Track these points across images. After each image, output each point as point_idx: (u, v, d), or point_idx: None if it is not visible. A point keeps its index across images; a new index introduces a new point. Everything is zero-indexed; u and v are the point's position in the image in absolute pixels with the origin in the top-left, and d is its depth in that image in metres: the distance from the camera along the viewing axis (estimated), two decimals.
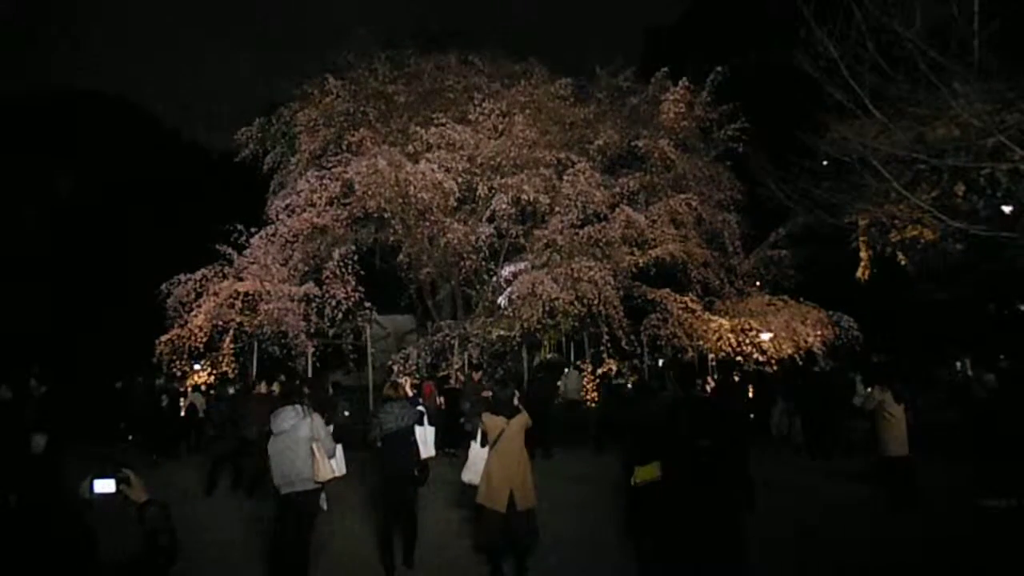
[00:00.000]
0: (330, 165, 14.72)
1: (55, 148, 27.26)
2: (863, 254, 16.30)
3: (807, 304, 16.13)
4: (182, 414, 13.97)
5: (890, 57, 8.54)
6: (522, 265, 14.97)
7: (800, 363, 14.58)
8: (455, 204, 14.85)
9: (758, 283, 17.31)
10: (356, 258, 14.55)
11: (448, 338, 14.71)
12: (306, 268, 14.63)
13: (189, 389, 14.54)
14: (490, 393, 8.37)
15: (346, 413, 12.11)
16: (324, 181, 14.34)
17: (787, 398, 12.63)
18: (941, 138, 9.84)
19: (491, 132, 15.53)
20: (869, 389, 8.08)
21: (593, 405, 14.71)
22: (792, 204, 11.59)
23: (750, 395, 13.70)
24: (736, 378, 12.88)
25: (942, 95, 8.38)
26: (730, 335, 15.41)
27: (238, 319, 13.52)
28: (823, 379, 12.84)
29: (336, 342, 14.66)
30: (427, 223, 14.80)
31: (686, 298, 15.33)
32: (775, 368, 15.39)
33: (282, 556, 5.40)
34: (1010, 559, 5.61)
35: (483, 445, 5.97)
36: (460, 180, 14.54)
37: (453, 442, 11.02)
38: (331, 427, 6.37)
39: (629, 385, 13.71)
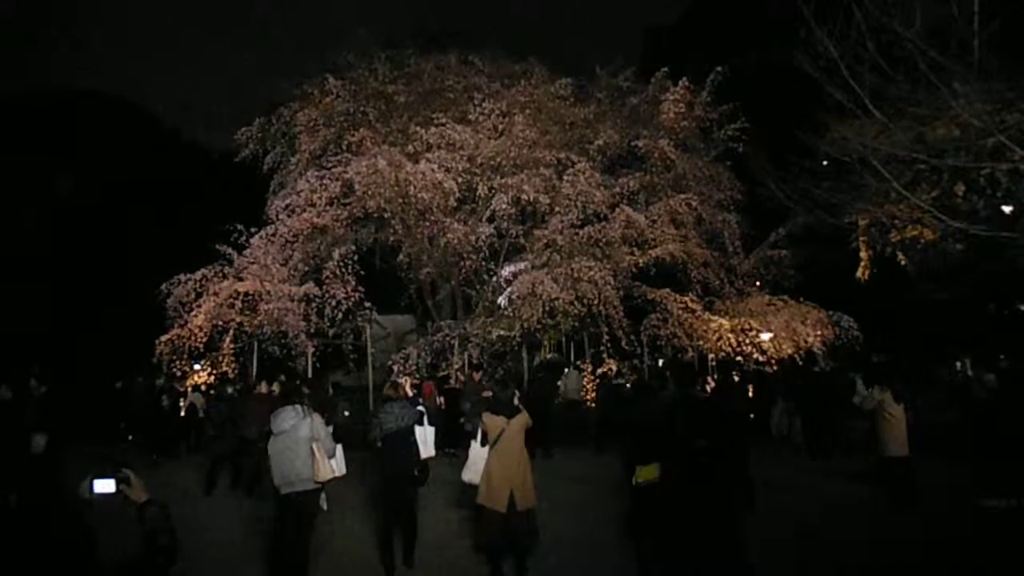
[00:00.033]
0: (330, 165, 14.72)
1: (55, 148, 27.27)
2: (863, 254, 16.31)
3: (807, 304, 16.14)
4: (182, 414, 13.97)
5: (890, 57, 8.54)
6: (522, 265, 14.98)
7: (800, 363, 14.58)
8: (455, 204, 14.86)
9: (758, 283, 17.31)
10: (356, 258, 14.55)
11: (448, 338, 14.71)
12: (306, 268, 14.63)
13: (189, 389, 14.54)
14: (491, 393, 8.37)
15: (346, 413, 12.11)
16: (324, 181, 14.34)
17: (787, 398, 12.62)
18: (941, 138, 9.84)
19: (491, 132, 15.54)
20: (870, 389, 8.06)
21: (592, 405, 14.71)
22: (792, 204, 11.59)
23: (750, 395, 13.69)
24: (736, 378, 12.88)
25: (942, 95, 8.38)
26: (730, 335, 15.42)
27: (238, 319, 13.52)
28: (823, 379, 12.84)
29: (336, 342, 14.66)
30: (427, 223, 14.80)
31: (686, 298, 15.34)
32: (775, 368, 15.39)
33: (282, 556, 5.40)
34: (1010, 559, 5.60)
35: (483, 445, 5.97)
36: (460, 180, 14.54)
37: (453, 442, 11.01)
38: (331, 427, 6.36)
39: (628, 385, 13.73)
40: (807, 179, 11.08)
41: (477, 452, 6.33)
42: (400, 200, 14.48)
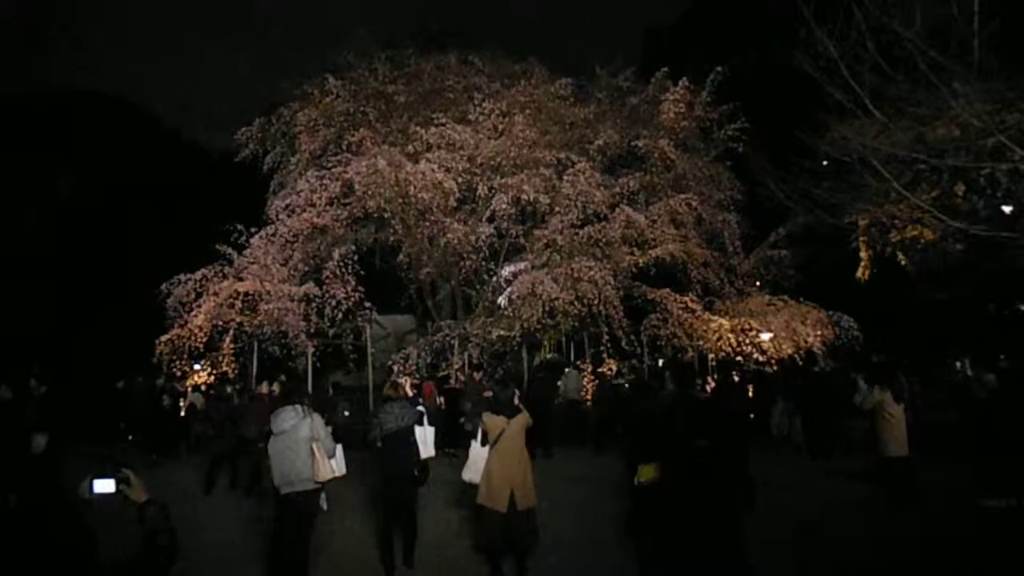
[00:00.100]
0: (330, 165, 14.71)
1: (55, 148, 27.27)
2: (863, 254, 16.30)
3: (807, 304, 16.14)
4: (182, 414, 13.98)
5: (890, 57, 8.55)
6: (522, 265, 14.97)
7: (800, 363, 14.58)
8: (455, 204, 14.85)
9: (758, 283, 17.31)
10: (356, 258, 14.54)
11: (448, 338, 14.71)
12: (306, 268, 14.62)
13: (189, 389, 14.55)
14: (491, 393, 8.37)
15: (346, 413, 12.12)
16: (324, 181, 14.34)
17: (787, 398, 12.63)
18: (941, 138, 9.85)
19: (491, 132, 15.54)
20: (870, 389, 8.05)
21: (590, 405, 14.71)
22: (792, 204, 11.59)
23: (750, 395, 13.69)
24: (736, 378, 12.87)
25: (942, 95, 8.38)
26: (730, 335, 15.42)
27: (238, 319, 13.52)
28: (823, 379, 12.84)
29: (336, 342, 14.66)
30: (427, 223, 14.80)
31: (686, 298, 15.34)
32: (775, 368, 15.39)
33: (282, 556, 5.40)
34: (1010, 559, 5.60)
35: (484, 444, 5.97)
36: (460, 180, 14.54)
37: (453, 442, 11.01)
38: (331, 427, 6.36)
39: (627, 385, 13.73)
40: (807, 179, 11.08)
41: (477, 452, 6.33)
42: (400, 200, 14.48)
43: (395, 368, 13.68)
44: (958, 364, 19.74)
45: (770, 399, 13.16)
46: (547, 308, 13.78)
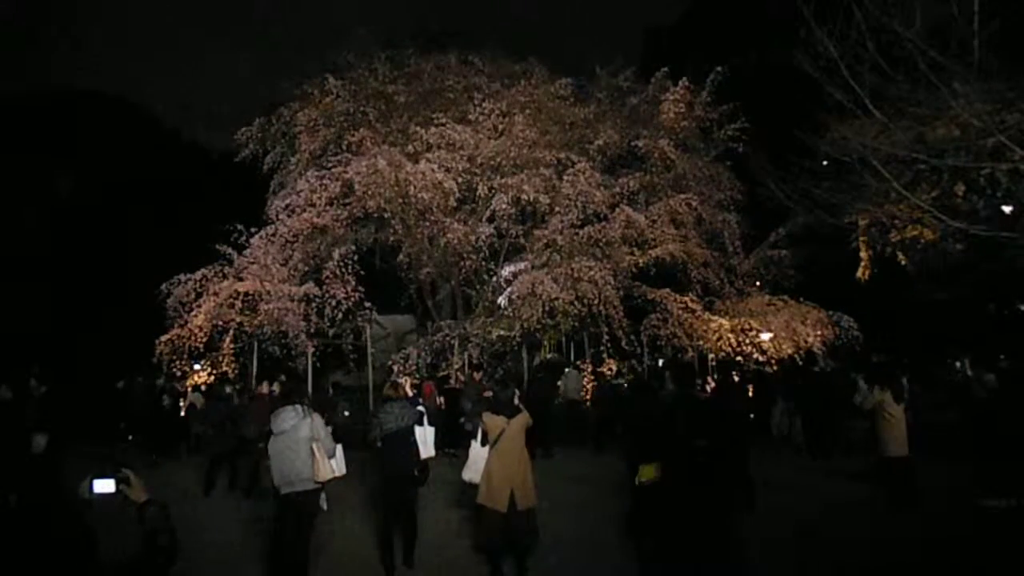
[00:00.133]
0: (330, 165, 14.71)
1: (55, 148, 27.26)
2: (863, 254, 16.31)
3: (807, 304, 16.14)
4: (182, 414, 13.98)
5: (890, 57, 8.54)
6: (522, 265, 14.97)
7: (800, 363, 14.57)
8: (455, 204, 14.86)
9: (758, 283, 17.31)
10: (356, 258, 14.54)
11: (448, 338, 14.71)
12: (306, 268, 14.62)
13: (189, 389, 14.55)
14: (491, 393, 8.37)
15: (346, 413, 12.11)
16: (324, 181, 14.34)
17: (787, 398, 12.63)
18: (941, 138, 9.85)
19: (491, 132, 15.54)
20: (871, 388, 8.05)
21: (589, 405, 14.71)
22: (792, 204, 11.59)
23: (750, 395, 13.69)
24: (736, 378, 12.88)
25: (942, 95, 8.38)
26: (730, 335, 15.42)
27: (238, 319, 13.52)
28: (823, 379, 12.85)
29: (336, 342, 14.65)
30: (427, 223, 14.80)
31: (686, 298, 15.34)
32: (775, 368, 15.39)
33: (282, 556, 5.40)
34: (1010, 559, 5.60)
35: (484, 444, 5.97)
36: (460, 180, 14.54)
37: (453, 442, 11.01)
38: (331, 427, 6.36)
39: (626, 384, 13.74)
40: (807, 179, 11.08)
41: (478, 452, 6.33)
42: (400, 200, 14.48)
43: (395, 368, 13.68)
44: (958, 364, 19.73)
45: (770, 399, 13.17)
46: (547, 308, 13.78)
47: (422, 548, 6.02)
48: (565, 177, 14.82)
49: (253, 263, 13.67)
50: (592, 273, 13.85)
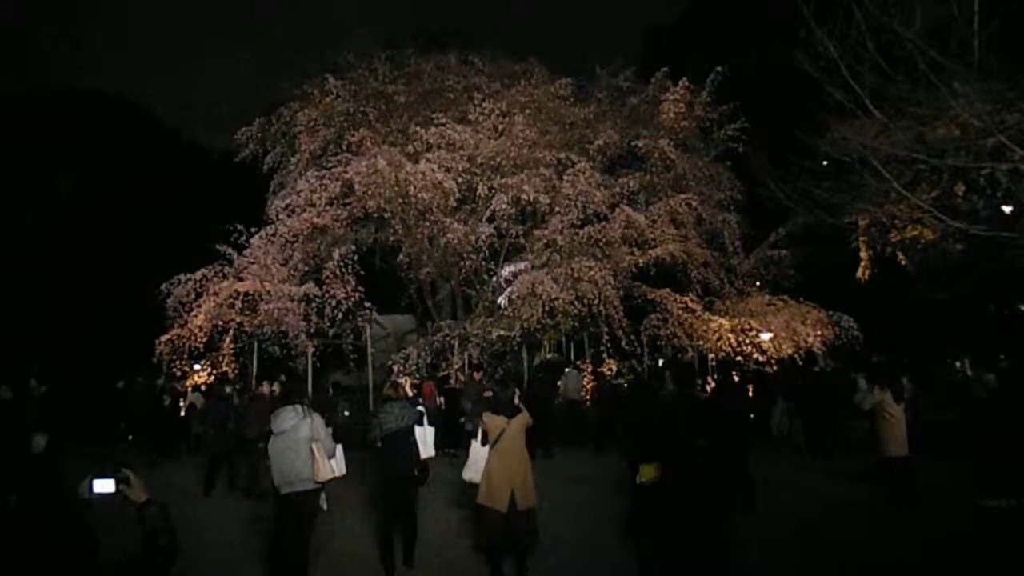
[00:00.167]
0: (330, 165, 14.72)
1: (55, 148, 27.26)
2: (863, 254, 16.30)
3: (807, 304, 16.14)
4: (182, 414, 13.98)
5: (890, 57, 8.54)
6: (522, 265, 14.97)
7: (800, 363, 14.57)
8: (455, 204, 14.86)
9: (758, 283, 17.31)
10: (356, 258, 14.55)
11: (448, 338, 14.71)
12: (306, 268, 14.63)
13: (189, 389, 14.55)
14: (492, 393, 8.36)
15: (346, 413, 12.12)
16: (324, 181, 14.34)
17: (787, 398, 12.63)
18: (941, 138, 9.84)
19: (491, 132, 15.54)
20: (871, 388, 8.05)
21: (589, 405, 14.71)
22: (792, 204, 11.59)
23: (750, 395, 13.69)
24: (736, 378, 12.88)
25: (942, 95, 8.38)
26: (730, 335, 15.42)
27: (238, 319, 13.52)
28: (823, 379, 12.85)
29: (336, 342, 14.66)
30: (427, 223, 14.80)
31: (686, 298, 15.34)
32: (775, 368, 15.38)
33: (282, 556, 5.40)
34: (1010, 559, 5.60)
35: (484, 444, 5.97)
36: (460, 180, 14.54)
37: (453, 442, 11.02)
38: (331, 427, 6.36)
39: (625, 384, 13.74)
40: (807, 179, 11.08)
41: (478, 451, 6.33)
42: (400, 200, 14.48)
43: (395, 368, 13.68)
44: (958, 364, 19.73)
45: (770, 399, 13.16)
46: (547, 308, 13.78)
47: (422, 548, 6.02)
48: (565, 177, 14.82)
49: (253, 263, 13.67)
50: (592, 273, 13.85)
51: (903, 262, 15.76)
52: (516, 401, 5.92)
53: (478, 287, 16.51)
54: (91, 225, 25.23)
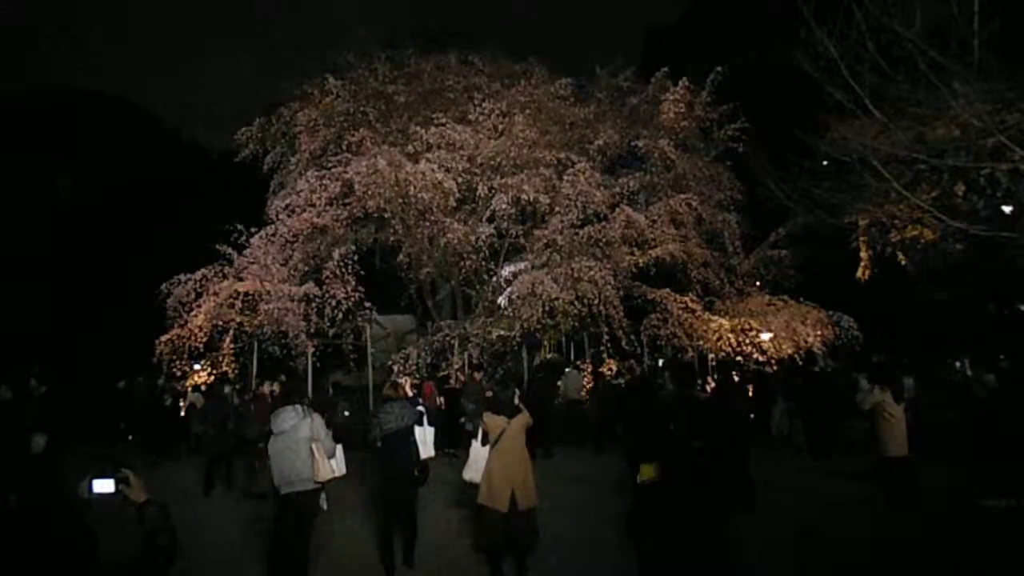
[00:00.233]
0: (330, 165, 14.72)
1: (55, 148, 27.27)
2: (863, 254, 16.30)
3: (807, 304, 16.14)
4: (182, 414, 13.98)
5: (890, 57, 8.54)
6: (522, 265, 14.98)
7: (800, 363, 14.57)
8: (455, 204, 14.85)
9: (758, 283, 17.31)
10: (356, 258, 14.55)
11: (448, 338, 14.71)
12: (306, 268, 14.63)
13: (189, 389, 14.55)
14: (492, 393, 8.37)
15: (346, 413, 12.13)
16: (324, 181, 14.34)
17: (787, 398, 12.63)
18: (941, 138, 9.84)
19: (491, 132, 15.54)
20: (871, 388, 8.05)
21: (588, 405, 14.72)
22: (792, 204, 11.59)
23: (750, 395, 13.69)
24: (736, 378, 12.88)
25: (942, 95, 8.38)
26: (730, 335, 15.42)
27: (238, 319, 13.53)
28: (823, 379, 12.84)
29: (336, 342, 14.66)
30: (427, 223, 14.80)
31: (686, 298, 15.34)
32: (775, 368, 15.38)
33: (282, 556, 5.40)
34: (1010, 559, 5.60)
35: (484, 444, 5.97)
36: (460, 180, 14.54)
37: (453, 442, 11.02)
38: (331, 428, 6.36)
39: (623, 384, 13.75)
40: (807, 179, 11.07)
41: (478, 451, 6.33)
42: (400, 200, 14.48)
43: (395, 368, 13.68)
44: (958, 364, 19.74)
45: (770, 399, 13.16)
46: (547, 308, 13.79)
47: (422, 548, 6.02)
48: (565, 177, 14.82)
49: (253, 263, 13.67)
50: (592, 273, 13.85)
51: (903, 262, 15.76)
52: (516, 401, 5.92)
53: (478, 287, 16.51)
54: (91, 225, 25.24)
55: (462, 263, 14.92)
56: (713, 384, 12.40)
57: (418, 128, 15.27)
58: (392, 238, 16.24)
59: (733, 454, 6.65)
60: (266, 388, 10.35)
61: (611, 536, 6.29)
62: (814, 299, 16.25)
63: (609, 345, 14.53)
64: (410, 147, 14.84)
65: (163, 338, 13.45)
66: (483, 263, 15.59)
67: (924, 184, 11.95)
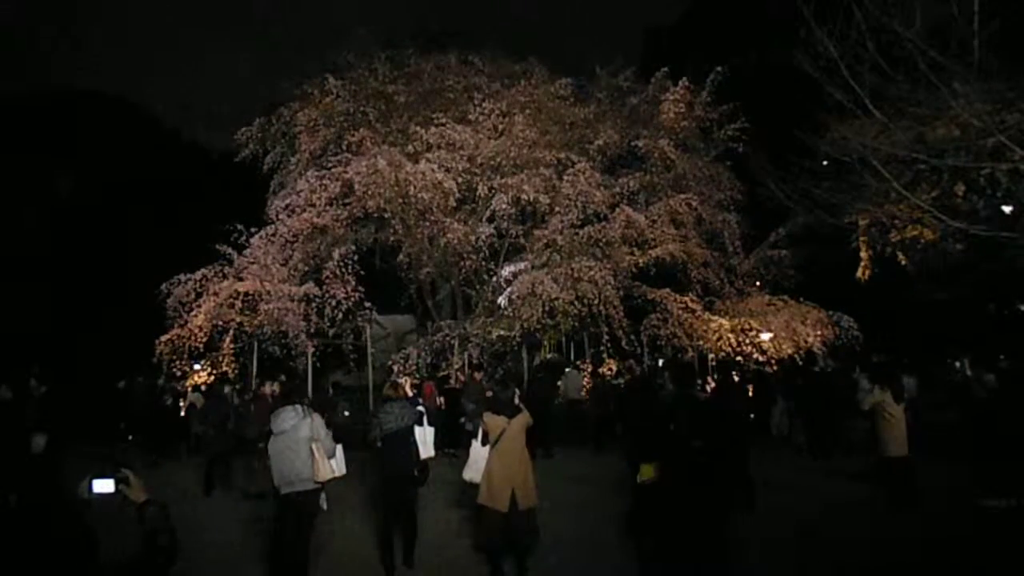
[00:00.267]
0: (330, 165, 14.72)
1: (55, 148, 27.27)
2: (863, 254, 16.29)
3: (807, 304, 16.14)
4: (182, 414, 13.99)
5: (890, 57, 8.54)
6: (522, 265, 14.98)
7: (800, 363, 14.57)
8: (455, 204, 14.86)
9: (758, 283, 17.31)
10: (356, 258, 14.55)
11: (448, 338, 14.71)
12: (306, 268, 14.63)
13: (189, 389, 14.56)
14: (492, 393, 8.36)
15: (346, 413, 12.12)
16: (324, 181, 14.34)
17: (787, 398, 12.63)
18: (941, 138, 9.84)
19: (491, 132, 15.54)
20: (872, 388, 8.05)
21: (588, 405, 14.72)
22: (792, 204, 11.59)
23: (750, 395, 13.69)
24: (736, 378, 12.87)
25: (942, 95, 8.38)
26: (730, 335, 15.41)
27: (238, 319, 13.53)
28: (823, 379, 12.85)
29: (336, 342, 14.66)
30: (427, 223, 14.80)
31: (686, 298, 15.34)
32: (775, 368, 15.38)
33: (282, 556, 5.40)
34: (1010, 559, 5.60)
35: (484, 444, 5.97)
36: (460, 180, 14.54)
37: (453, 442, 11.02)
38: (331, 428, 6.36)
39: (623, 384, 13.75)
40: (807, 179, 11.07)
41: (478, 451, 6.33)
42: (400, 200, 14.48)
43: (395, 368, 13.68)
44: (958, 364, 19.75)
45: (770, 399, 13.16)
46: (547, 308, 13.78)
47: (422, 548, 6.02)
48: (565, 177, 14.83)
49: (253, 263, 13.67)
50: (592, 273, 13.85)
51: (903, 262, 15.76)
52: (516, 401, 5.92)
53: (478, 287, 16.51)
54: (91, 225, 25.24)
55: (462, 263, 14.92)
56: (713, 384, 12.40)
57: (418, 128, 15.27)
58: (392, 238, 16.24)
59: (733, 454, 6.65)
60: (266, 388, 10.33)
61: (611, 536, 6.28)
62: (814, 299, 16.25)
63: (609, 345, 14.53)
64: (410, 147, 14.84)
65: (163, 338, 13.45)
66: (483, 263, 15.59)
67: (924, 184, 11.94)
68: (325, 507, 5.94)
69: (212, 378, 14.32)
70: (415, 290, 17.66)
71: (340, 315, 13.84)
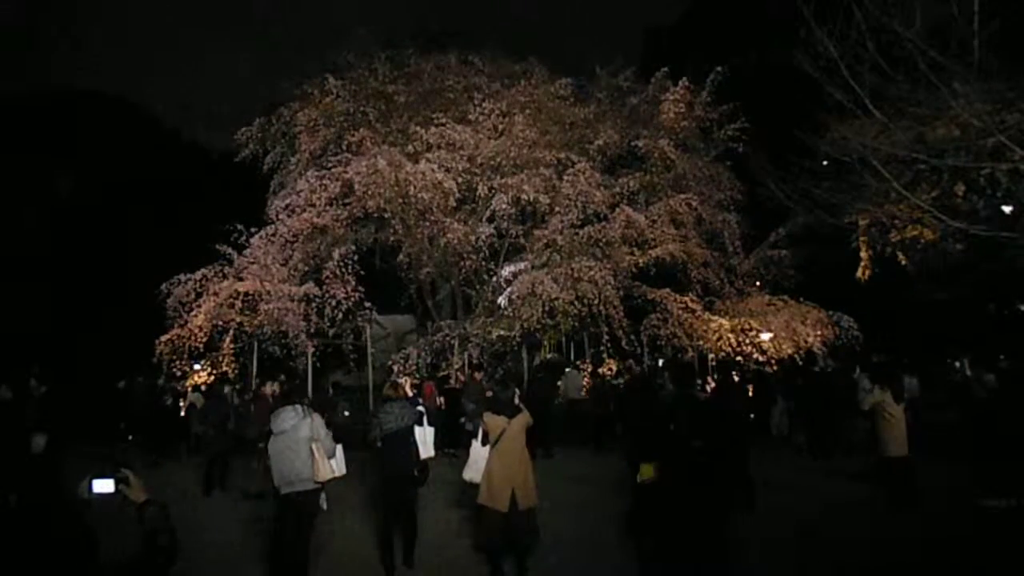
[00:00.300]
0: (330, 165, 14.72)
1: (55, 148, 27.28)
2: (863, 254, 16.29)
3: (807, 304, 16.14)
4: (182, 414, 13.99)
5: (890, 57, 8.54)
6: (522, 265, 14.98)
7: (800, 363, 14.57)
8: (455, 204, 14.86)
9: (758, 283, 17.31)
10: (356, 258, 14.55)
11: (448, 338, 14.71)
12: (306, 268, 14.63)
13: (189, 389, 14.56)
14: (492, 393, 8.36)
15: (346, 413, 12.12)
16: (324, 181, 14.35)
17: (787, 398, 12.63)
18: (941, 138, 9.84)
19: (491, 132, 15.54)
20: (872, 388, 8.05)
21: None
22: (792, 204, 11.58)
23: (750, 395, 13.69)
24: (736, 378, 12.87)
25: (942, 95, 8.37)
26: (730, 335, 15.42)
27: (238, 319, 13.53)
28: (823, 379, 12.85)
29: (336, 342, 14.66)
30: (427, 223, 14.81)
31: (686, 298, 15.34)
32: (775, 368, 15.39)
33: (282, 556, 5.40)
34: (1010, 559, 5.60)
35: (484, 444, 5.97)
36: (460, 180, 14.55)
37: (453, 442, 11.02)
38: (331, 428, 6.36)
39: (622, 384, 13.75)
40: (807, 179, 11.07)
41: (478, 451, 6.33)
42: (400, 200, 14.48)
43: (395, 368, 13.69)
44: (958, 364, 19.75)
45: (770, 399, 13.17)
46: (547, 308, 13.79)
47: (422, 548, 6.02)
48: (565, 177, 14.83)
49: (253, 263, 13.68)
50: (592, 273, 13.85)
51: (903, 262, 15.76)
52: (516, 401, 5.92)
53: (478, 287, 16.52)
54: (91, 225, 25.25)
55: (462, 263, 14.92)
56: (713, 384, 12.41)
57: (418, 128, 15.27)
58: (392, 238, 16.24)
59: (733, 454, 6.65)
60: (266, 388, 10.34)
61: (611, 536, 6.28)
62: (814, 299, 16.25)
63: (609, 345, 14.53)
64: (410, 147, 14.84)
65: (163, 338, 13.45)
66: (483, 263, 15.59)
67: (924, 184, 11.94)
68: (325, 507, 5.94)
69: (212, 378, 14.31)
70: (415, 290, 17.67)
71: (340, 315, 13.84)
